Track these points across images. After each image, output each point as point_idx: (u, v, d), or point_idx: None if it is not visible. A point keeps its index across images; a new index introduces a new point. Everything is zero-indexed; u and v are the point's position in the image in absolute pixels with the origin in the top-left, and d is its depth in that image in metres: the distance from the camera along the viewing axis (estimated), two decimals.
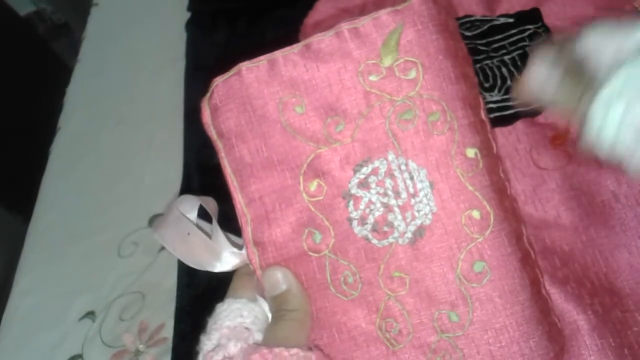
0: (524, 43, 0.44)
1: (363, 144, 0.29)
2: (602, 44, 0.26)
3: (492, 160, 0.29)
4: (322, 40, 0.30)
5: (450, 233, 0.28)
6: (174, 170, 0.52)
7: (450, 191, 0.28)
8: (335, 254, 0.29)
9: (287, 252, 0.30)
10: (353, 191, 0.29)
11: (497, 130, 0.41)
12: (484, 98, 0.37)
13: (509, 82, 0.43)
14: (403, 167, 0.29)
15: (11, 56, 1.15)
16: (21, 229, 0.58)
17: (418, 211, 0.28)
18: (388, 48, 0.29)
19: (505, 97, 0.42)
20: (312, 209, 0.29)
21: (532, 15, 0.45)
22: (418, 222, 0.28)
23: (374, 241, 0.28)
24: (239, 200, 0.31)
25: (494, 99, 0.43)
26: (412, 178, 0.29)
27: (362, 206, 0.29)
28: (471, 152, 0.29)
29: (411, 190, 0.28)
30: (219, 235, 0.32)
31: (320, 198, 0.29)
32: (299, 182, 0.30)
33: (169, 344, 0.41)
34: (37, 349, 0.46)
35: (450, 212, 0.28)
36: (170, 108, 0.58)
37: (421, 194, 0.28)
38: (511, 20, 0.46)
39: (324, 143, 0.30)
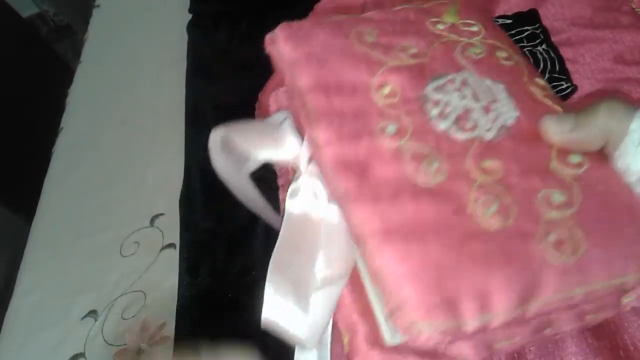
0: (522, 44, 0.45)
1: (436, 63, 0.31)
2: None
3: (559, 98, 0.31)
4: (382, 13, 0.33)
5: (536, 134, 0.28)
6: (175, 170, 0.52)
7: (529, 102, 0.29)
8: (413, 142, 0.27)
9: (354, 149, 0.27)
10: (430, 95, 0.29)
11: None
12: None
13: None
14: (478, 82, 0.30)
15: (14, 57, 1.15)
16: (24, 229, 0.58)
17: (500, 113, 0.29)
18: (448, 14, 0.33)
19: None
20: (386, 109, 0.28)
21: (530, 17, 0.46)
22: (501, 122, 0.28)
23: (457, 134, 0.28)
24: (305, 108, 0.29)
25: None
26: (489, 90, 0.29)
27: (440, 106, 0.29)
28: (540, 81, 0.31)
29: (490, 98, 0.29)
30: (286, 122, 0.32)
31: (395, 100, 0.29)
32: (371, 87, 0.29)
33: (171, 342, 0.42)
34: (39, 347, 0.46)
35: (533, 117, 0.28)
36: (171, 109, 0.59)
37: (502, 100, 0.29)
38: (509, 21, 0.46)
39: (397, 59, 0.31)
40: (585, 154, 0.27)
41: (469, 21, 0.33)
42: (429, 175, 0.26)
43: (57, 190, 0.58)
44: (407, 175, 0.26)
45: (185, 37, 0.64)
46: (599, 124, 0.26)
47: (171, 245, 0.48)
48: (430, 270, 0.23)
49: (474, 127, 0.28)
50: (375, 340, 0.28)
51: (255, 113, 0.50)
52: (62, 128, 0.65)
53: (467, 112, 0.28)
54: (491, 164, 0.27)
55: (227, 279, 0.43)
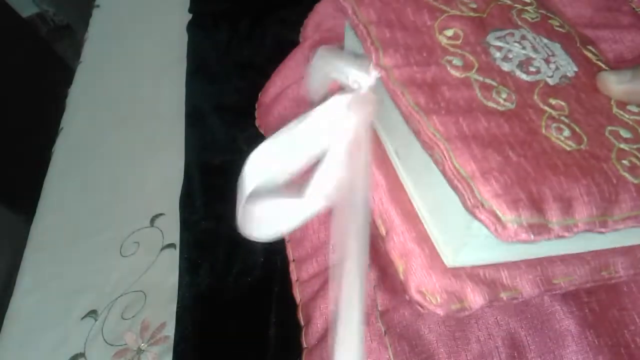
0: None
1: (494, 19, 0.31)
2: None
3: (609, 62, 0.33)
4: None
5: (595, 87, 0.29)
6: (175, 170, 0.52)
7: (585, 62, 0.30)
8: (480, 75, 0.28)
9: (422, 73, 0.27)
10: (492, 42, 0.30)
11: None
12: None
13: None
14: (537, 39, 0.31)
15: (13, 57, 1.15)
16: (24, 229, 0.58)
17: (561, 65, 0.30)
18: None
19: None
20: (450, 48, 0.29)
21: None
22: (562, 72, 0.29)
23: (522, 75, 0.28)
24: (370, 37, 0.29)
25: None
26: (547, 46, 0.31)
27: (503, 51, 0.29)
28: (593, 49, 0.32)
29: (549, 52, 0.30)
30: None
31: (458, 42, 0.29)
32: (434, 29, 0.30)
33: (171, 342, 0.42)
34: (39, 347, 0.46)
35: (590, 73, 0.30)
36: (171, 109, 0.59)
37: (560, 55, 0.30)
38: None
39: (457, 9, 0.31)
40: None
41: None
42: (499, 101, 0.27)
43: (57, 190, 0.58)
44: (478, 98, 0.26)
45: (185, 37, 0.64)
46: None
47: (171, 245, 0.48)
48: (512, 172, 0.23)
49: (537, 72, 0.29)
50: (432, 264, 0.27)
51: (256, 113, 0.50)
52: (62, 128, 0.65)
53: (529, 59, 0.29)
54: (557, 102, 0.27)
55: (227, 279, 0.43)
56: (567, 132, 0.26)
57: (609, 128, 0.27)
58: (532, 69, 0.29)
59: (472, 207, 0.23)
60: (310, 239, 0.40)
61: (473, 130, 0.25)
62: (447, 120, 0.25)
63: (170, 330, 0.43)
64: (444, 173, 0.24)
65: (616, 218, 0.24)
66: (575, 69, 0.30)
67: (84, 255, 0.51)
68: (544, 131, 0.26)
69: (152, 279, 0.47)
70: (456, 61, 0.28)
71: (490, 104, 0.26)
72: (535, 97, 0.27)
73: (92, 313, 0.47)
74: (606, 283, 0.29)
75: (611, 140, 0.26)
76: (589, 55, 0.32)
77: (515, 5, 0.34)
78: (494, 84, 0.27)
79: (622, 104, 0.28)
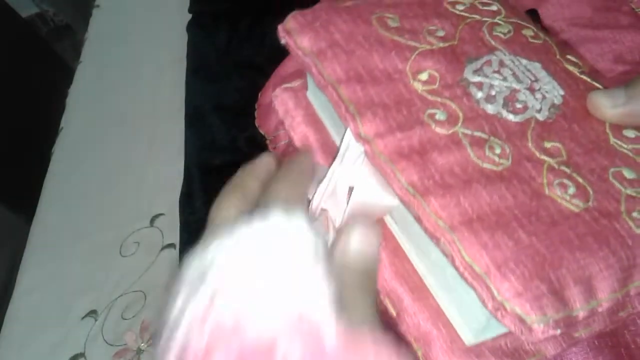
0: None
1: (467, 45, 0.29)
2: None
3: (594, 69, 0.31)
4: None
5: (586, 111, 0.27)
6: (175, 170, 0.52)
7: (569, 79, 0.28)
8: (468, 128, 0.25)
9: (408, 139, 0.25)
10: (470, 78, 0.27)
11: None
12: None
13: None
14: (516, 62, 0.28)
15: (13, 57, 1.15)
16: (24, 229, 0.58)
17: (546, 91, 0.27)
18: None
19: None
20: (428, 96, 0.26)
21: (530, 17, 0.46)
22: (549, 101, 0.27)
23: (510, 116, 0.26)
24: (342, 101, 0.26)
25: None
26: (528, 69, 0.28)
27: (484, 88, 0.27)
28: (573, 57, 0.30)
29: (532, 77, 0.28)
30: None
31: (435, 86, 0.27)
32: (407, 74, 0.27)
33: None
34: (39, 347, 0.46)
35: (577, 93, 0.27)
36: (171, 109, 0.59)
37: (543, 79, 0.28)
38: None
39: (427, 43, 0.28)
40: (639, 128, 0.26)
41: (486, 1, 0.32)
42: (494, 159, 0.24)
43: (57, 190, 0.58)
44: (472, 160, 0.24)
45: (185, 37, 0.64)
46: None
47: (171, 245, 0.48)
48: (527, 259, 0.21)
49: (525, 108, 0.26)
50: (452, 346, 0.25)
51: (255, 113, 0.50)
52: (62, 128, 0.65)
53: (513, 93, 0.27)
54: (553, 145, 0.25)
55: None
56: (572, 189, 0.23)
57: (612, 170, 0.25)
58: (518, 106, 0.26)
59: (494, 310, 0.21)
60: None
61: (477, 210, 0.22)
62: (448, 203, 0.22)
63: None
64: (455, 268, 0.22)
65: (637, 284, 0.22)
66: (562, 92, 0.27)
67: (84, 255, 0.51)
68: (547, 191, 0.23)
69: (152, 279, 0.47)
70: (439, 115, 0.25)
71: (487, 166, 0.24)
72: (530, 144, 0.25)
73: (92, 313, 0.47)
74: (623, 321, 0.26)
75: (617, 187, 0.24)
76: (571, 68, 0.29)
77: (484, 19, 0.31)
78: (485, 136, 0.25)
79: (617, 129, 0.26)
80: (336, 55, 0.28)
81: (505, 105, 0.26)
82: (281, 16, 0.61)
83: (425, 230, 0.23)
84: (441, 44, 0.29)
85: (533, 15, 0.46)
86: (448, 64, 0.28)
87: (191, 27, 0.65)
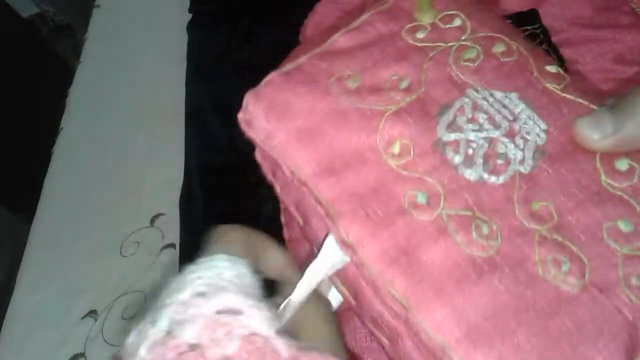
0: None
1: (436, 90, 0.26)
2: None
3: (577, 75, 0.27)
4: (349, 35, 0.28)
5: (573, 143, 0.24)
6: (175, 170, 0.52)
7: (551, 105, 0.25)
8: (451, 207, 0.24)
9: (392, 238, 0.23)
10: (444, 137, 0.25)
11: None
12: None
13: None
14: (490, 99, 0.26)
15: (14, 57, 1.15)
16: (24, 229, 0.58)
17: (527, 133, 0.25)
18: (423, 10, 0.28)
19: None
20: (404, 172, 0.24)
21: (530, 16, 0.46)
22: (532, 144, 0.25)
23: (492, 179, 0.24)
24: (320, 203, 0.25)
25: None
26: (504, 106, 0.26)
27: (461, 149, 0.25)
28: (552, 69, 0.27)
29: (509, 116, 0.25)
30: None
31: (409, 158, 0.25)
32: (379, 151, 0.25)
33: None
34: (39, 347, 0.46)
35: (561, 123, 0.25)
36: (171, 109, 0.59)
37: (522, 115, 0.25)
38: (509, 21, 0.46)
39: (392, 103, 0.26)
40: (632, 154, 0.24)
41: (449, 12, 0.28)
42: (482, 243, 0.23)
43: (57, 190, 0.58)
44: (461, 250, 0.23)
45: (185, 37, 0.64)
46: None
47: (171, 245, 0.48)
48: None
49: (507, 164, 0.24)
50: None
51: None
52: (62, 128, 0.65)
53: (492, 145, 0.25)
54: (541, 205, 0.23)
55: None
56: (566, 266, 0.22)
57: (606, 226, 0.23)
58: (499, 162, 0.24)
59: None
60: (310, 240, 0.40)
61: (473, 318, 0.21)
62: (444, 314, 0.21)
63: None
64: None
65: None
66: (544, 126, 0.25)
67: (84, 255, 0.51)
68: (541, 273, 0.22)
69: (152, 279, 0.47)
70: (420, 197, 0.24)
71: (476, 253, 0.22)
72: (517, 211, 0.23)
73: (92, 313, 0.47)
74: None
75: (612, 247, 0.22)
76: (551, 86, 0.26)
77: (450, 44, 0.27)
78: (469, 213, 0.23)
79: (608, 162, 0.24)
80: (303, 145, 0.26)
81: (485, 165, 0.24)
82: (281, 16, 0.61)
83: (424, 345, 0.22)
84: (407, 99, 0.26)
85: (533, 15, 0.46)
86: (418, 123, 0.25)
87: (191, 27, 0.65)
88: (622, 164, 0.24)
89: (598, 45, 0.42)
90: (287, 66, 0.28)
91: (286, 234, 0.42)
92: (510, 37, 0.28)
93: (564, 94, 0.26)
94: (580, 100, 0.26)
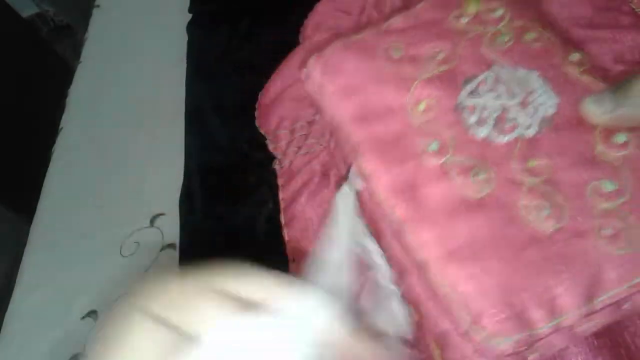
0: None
1: (466, 64, 0.31)
2: None
3: (598, 65, 0.31)
4: (403, 18, 0.33)
5: (579, 117, 0.28)
6: (175, 170, 0.52)
7: (566, 84, 0.29)
8: (457, 156, 0.28)
9: (402, 174, 0.28)
10: (465, 102, 0.29)
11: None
12: None
13: None
14: (512, 74, 0.30)
15: (14, 57, 1.16)
16: (24, 229, 0.58)
17: (539, 104, 0.28)
18: (470, 2, 0.33)
19: None
20: (425, 127, 0.29)
21: None
22: (541, 114, 0.28)
23: (499, 138, 0.28)
24: (349, 142, 0.30)
25: None
26: (524, 81, 0.29)
27: (477, 111, 0.29)
28: (575, 56, 0.30)
29: (526, 89, 0.29)
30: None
31: (432, 115, 0.29)
32: (407, 106, 0.30)
33: None
34: (39, 347, 0.46)
35: (572, 99, 0.28)
36: (171, 109, 0.59)
37: (538, 90, 0.29)
38: None
39: (426, 71, 0.31)
40: (632, 129, 0.27)
41: (493, 4, 0.33)
42: (477, 186, 0.27)
43: (57, 190, 0.58)
44: (457, 190, 0.27)
45: (185, 37, 0.64)
46: (637, 97, 0.25)
47: (171, 245, 0.48)
48: (495, 287, 0.24)
49: (514, 127, 0.28)
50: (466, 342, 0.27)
51: (255, 113, 0.50)
52: (62, 128, 0.65)
53: (505, 111, 0.28)
54: (537, 163, 0.27)
55: None
56: (546, 211, 0.25)
57: (592, 184, 0.26)
58: (508, 126, 0.28)
59: (465, 330, 0.24)
60: (310, 239, 0.40)
61: (455, 244, 0.25)
62: (430, 236, 0.26)
63: None
64: (437, 292, 0.25)
65: (602, 298, 0.24)
66: (557, 100, 0.29)
67: (84, 255, 0.51)
68: (522, 215, 0.26)
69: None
70: (433, 145, 0.28)
71: (470, 194, 0.27)
72: (514, 164, 0.27)
73: (92, 313, 0.47)
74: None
75: (593, 203, 0.25)
76: (571, 70, 0.30)
77: (487, 29, 0.32)
78: (471, 162, 0.27)
79: (607, 135, 0.27)
80: (347, 97, 0.31)
81: (495, 126, 0.28)
82: (281, 16, 0.61)
83: (412, 258, 0.26)
84: (441, 68, 0.31)
85: None
86: (445, 88, 0.30)
87: (191, 27, 0.65)
88: (620, 138, 0.27)
89: (598, 46, 0.42)
90: (350, 38, 0.34)
91: (286, 234, 0.42)
92: (544, 28, 0.32)
93: (580, 76, 0.29)
94: (594, 83, 0.29)
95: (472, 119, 0.29)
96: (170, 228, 0.49)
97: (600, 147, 0.27)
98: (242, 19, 0.62)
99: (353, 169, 0.30)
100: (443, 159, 0.28)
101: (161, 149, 0.56)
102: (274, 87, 0.49)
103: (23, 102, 1.13)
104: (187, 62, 0.62)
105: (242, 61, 0.58)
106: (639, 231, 0.24)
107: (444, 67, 0.31)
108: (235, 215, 0.45)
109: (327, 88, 0.32)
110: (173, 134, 0.56)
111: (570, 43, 0.31)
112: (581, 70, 0.30)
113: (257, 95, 0.50)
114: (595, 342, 0.31)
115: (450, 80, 0.30)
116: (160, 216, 0.51)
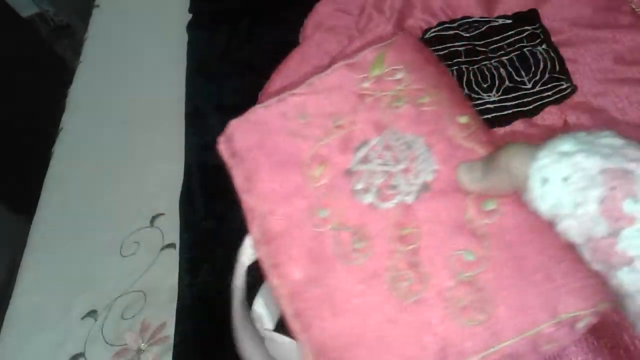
0: (522, 44, 0.45)
1: (360, 130, 0.33)
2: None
3: (485, 130, 0.32)
4: (323, 77, 0.36)
5: (454, 183, 0.29)
6: (175, 170, 0.52)
7: (448, 150, 0.30)
8: (340, 224, 0.30)
9: (295, 235, 0.31)
10: (354, 168, 0.32)
11: (495, 130, 0.42)
12: (481, 98, 0.40)
13: (507, 82, 0.43)
14: (400, 140, 0.32)
15: (14, 57, 1.15)
16: (24, 229, 0.58)
17: (420, 171, 0.30)
18: (375, 65, 0.36)
19: (503, 97, 0.43)
20: (319, 191, 0.31)
21: (530, 17, 0.46)
22: (420, 180, 0.30)
23: (380, 205, 0.30)
24: (247, 201, 0.34)
25: (492, 99, 0.43)
26: (409, 147, 0.31)
27: (364, 178, 0.31)
28: (463, 119, 0.32)
29: (410, 156, 0.31)
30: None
31: (325, 181, 0.31)
32: (304, 173, 0.32)
33: (171, 342, 0.42)
34: (39, 347, 0.46)
35: (451, 166, 0.30)
36: (171, 108, 0.59)
37: (420, 157, 0.31)
38: (509, 21, 0.46)
39: (324, 136, 0.33)
40: (501, 198, 0.27)
41: (395, 67, 0.35)
42: (354, 255, 0.29)
43: (57, 190, 0.58)
44: (334, 256, 0.29)
45: (185, 37, 0.64)
46: (503, 169, 0.26)
47: (171, 245, 0.48)
48: None
49: (395, 194, 0.30)
50: None
51: None
52: (62, 128, 0.65)
53: (389, 178, 0.30)
54: (408, 231, 0.28)
55: (228, 279, 0.43)
56: (408, 282, 0.27)
57: (455, 254, 0.27)
58: (390, 193, 0.30)
59: None
60: None
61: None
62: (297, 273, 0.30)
63: (170, 330, 0.43)
64: None
65: None
66: (435, 167, 0.30)
67: (84, 255, 0.51)
68: (388, 284, 0.27)
69: (152, 279, 0.47)
70: (321, 213, 0.30)
71: (347, 262, 0.29)
72: (389, 233, 0.29)
73: (92, 313, 0.47)
74: None
75: (453, 272, 0.26)
76: (456, 134, 0.31)
77: (385, 93, 0.34)
78: (350, 231, 0.29)
79: (477, 202, 0.28)
80: (250, 160, 0.34)
81: (378, 194, 0.30)
82: (281, 16, 0.61)
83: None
84: (339, 133, 0.33)
85: (533, 15, 0.46)
86: (341, 154, 0.32)
87: (191, 27, 0.65)
88: (489, 205, 0.28)
89: (598, 45, 0.42)
90: (268, 102, 0.37)
91: None
92: (440, 91, 0.33)
93: (463, 141, 0.31)
94: (475, 148, 0.30)
95: (359, 186, 0.31)
96: (170, 228, 0.49)
97: (469, 214, 0.28)
98: (242, 19, 0.62)
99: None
100: (328, 227, 0.30)
101: (161, 149, 0.57)
102: (274, 86, 0.49)
103: (23, 102, 1.13)
104: (187, 62, 0.62)
105: (242, 61, 0.58)
106: (490, 304, 0.25)
107: (341, 132, 0.33)
108: (235, 215, 0.45)
109: (239, 150, 0.35)
110: (173, 134, 0.56)
111: (459, 104, 0.33)
112: (465, 135, 0.31)
113: (257, 95, 0.50)
114: (595, 343, 0.31)
115: (346, 145, 0.32)
116: (160, 216, 0.51)
